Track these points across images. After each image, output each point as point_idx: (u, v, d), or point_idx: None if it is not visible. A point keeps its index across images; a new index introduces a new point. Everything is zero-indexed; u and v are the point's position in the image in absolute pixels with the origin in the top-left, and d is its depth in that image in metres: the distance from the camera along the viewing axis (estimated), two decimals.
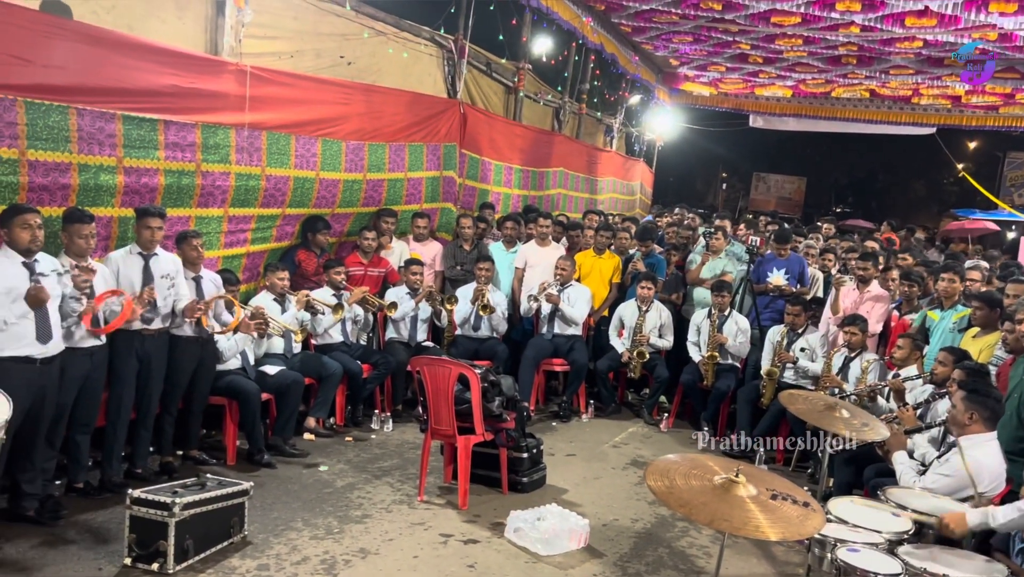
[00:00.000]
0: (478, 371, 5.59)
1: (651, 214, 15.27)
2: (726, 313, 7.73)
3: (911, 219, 24.62)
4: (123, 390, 5.26)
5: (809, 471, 6.70)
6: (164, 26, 5.84)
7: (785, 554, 5.21)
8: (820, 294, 8.27)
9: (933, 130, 16.42)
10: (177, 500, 4.29)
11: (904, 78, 13.57)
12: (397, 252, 7.98)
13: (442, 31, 9.03)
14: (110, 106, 5.12)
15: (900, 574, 3.35)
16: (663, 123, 17.66)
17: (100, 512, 4.95)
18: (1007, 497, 4.10)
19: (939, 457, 4.46)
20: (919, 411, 5.50)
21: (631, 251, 8.92)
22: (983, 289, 6.57)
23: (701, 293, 8.34)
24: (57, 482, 5.09)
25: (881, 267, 7.89)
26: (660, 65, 15.48)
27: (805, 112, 16.64)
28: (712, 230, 8.84)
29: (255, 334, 6.03)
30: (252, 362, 6.22)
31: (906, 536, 3.69)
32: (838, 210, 30.73)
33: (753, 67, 14.15)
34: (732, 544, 5.23)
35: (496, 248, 8.54)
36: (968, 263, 8.61)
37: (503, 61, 10.74)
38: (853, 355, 6.73)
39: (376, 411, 7.22)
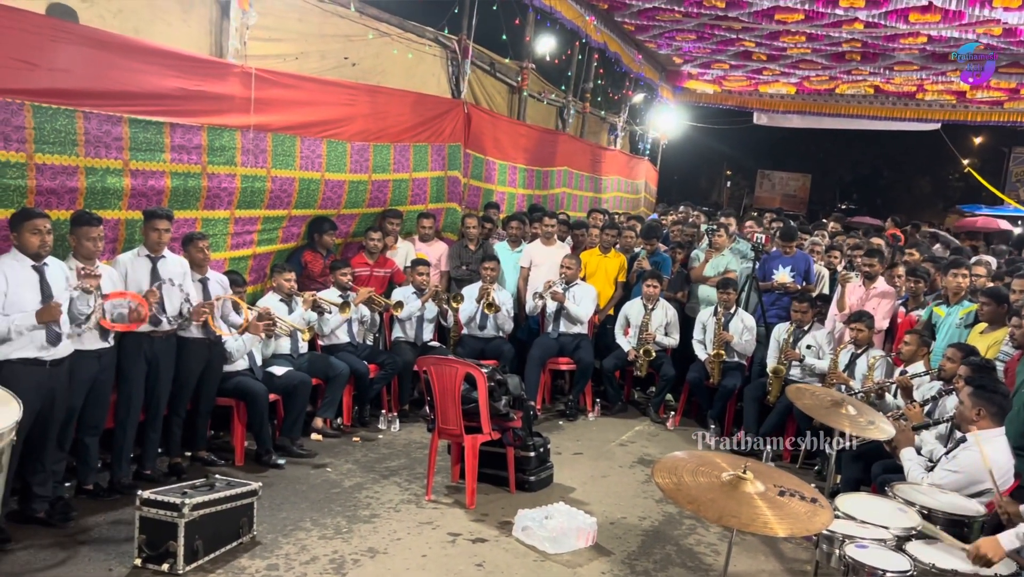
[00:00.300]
0: (484, 370, 5.61)
1: (656, 212, 15.26)
2: (732, 311, 7.73)
3: (916, 215, 24.52)
4: (132, 392, 5.28)
5: (816, 468, 6.70)
6: (170, 29, 5.87)
7: (793, 551, 5.21)
8: (826, 291, 8.26)
9: (938, 126, 16.39)
10: (186, 501, 4.31)
11: (908, 74, 13.53)
12: (403, 252, 8.00)
13: (446, 31, 9.05)
14: (116, 109, 5.15)
15: (908, 570, 3.35)
16: (667, 121, 17.65)
17: (110, 513, 4.98)
18: (1015, 492, 4.10)
19: (947, 453, 4.45)
20: (927, 407, 5.50)
21: (636, 250, 8.92)
22: (989, 284, 6.56)
23: (706, 291, 8.34)
24: (67, 484, 5.12)
25: (887, 263, 7.88)
26: (663, 63, 15.46)
27: (809, 109, 16.61)
28: (715, 227, 8.83)
29: (263, 335, 6.05)
30: (259, 363, 6.25)
31: (914, 532, 3.69)
32: (843, 207, 30.67)
33: (757, 64, 14.13)
34: (740, 541, 5.24)
35: (501, 248, 8.56)
36: (974, 258, 8.61)
37: (507, 61, 10.76)
38: (860, 352, 6.72)
39: (383, 411, 7.24)
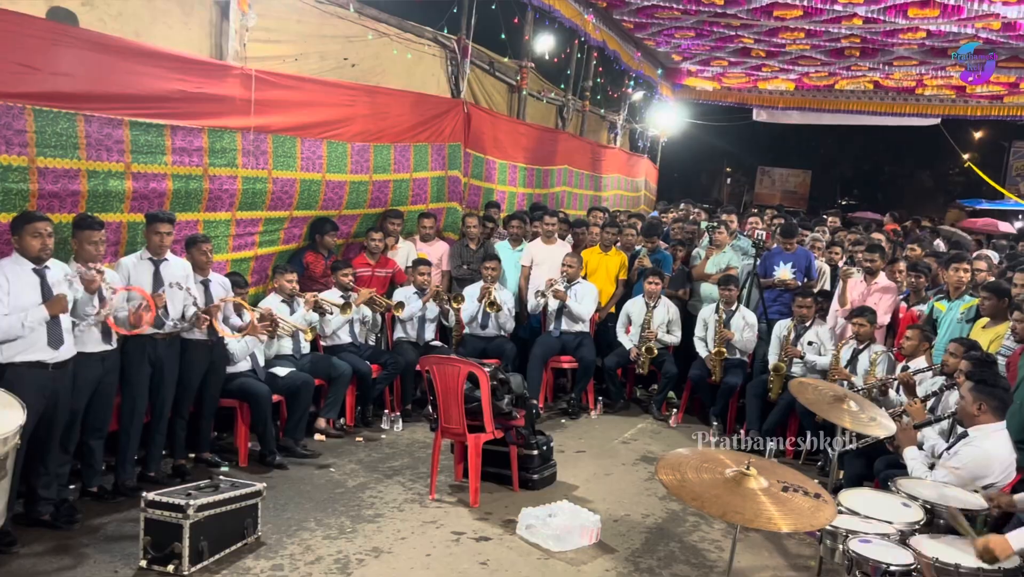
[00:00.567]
0: (487, 369, 5.62)
1: (656, 210, 15.27)
2: (733, 308, 7.74)
3: (917, 210, 24.51)
4: (136, 394, 5.29)
5: (819, 464, 6.70)
6: (170, 32, 5.87)
7: (797, 547, 5.22)
8: (827, 287, 8.27)
9: (938, 121, 16.38)
10: (191, 502, 4.33)
11: (908, 69, 13.54)
12: (404, 252, 8.01)
13: (445, 31, 9.05)
14: (117, 112, 5.16)
15: (912, 564, 3.36)
16: (666, 119, 17.65)
17: (115, 516, 4.99)
18: (1017, 486, 4.11)
19: (948, 449, 4.45)
20: (930, 403, 5.51)
21: (637, 248, 8.93)
22: (990, 279, 6.57)
23: (708, 288, 8.34)
24: (72, 487, 5.13)
25: (888, 259, 7.89)
26: (662, 61, 15.46)
27: (809, 105, 16.62)
28: (715, 224, 8.84)
29: (265, 336, 6.06)
30: (262, 364, 6.26)
31: (917, 526, 3.70)
32: (844, 203, 30.65)
33: (756, 61, 14.13)
34: (743, 538, 5.25)
35: (502, 247, 8.56)
36: (975, 253, 8.61)
37: (506, 60, 10.76)
38: (861, 347, 6.73)
39: (386, 411, 7.25)
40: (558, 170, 11.95)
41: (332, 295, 6.90)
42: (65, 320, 4.61)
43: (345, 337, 7.04)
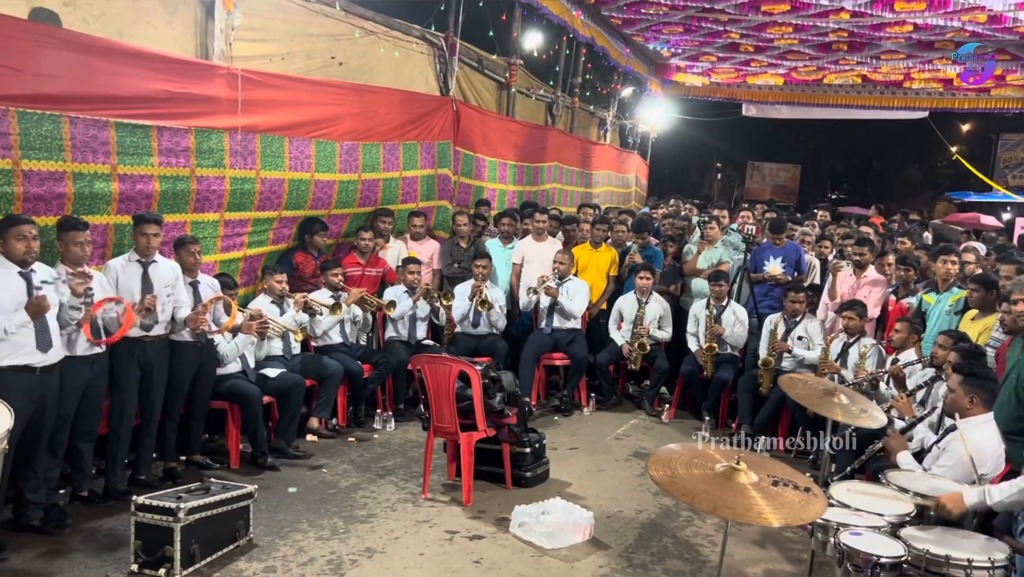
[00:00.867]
0: (479, 368, 5.61)
1: (647, 206, 15.27)
2: (724, 303, 7.75)
3: (906, 203, 24.63)
4: (125, 397, 5.26)
5: (811, 457, 6.71)
6: (154, 32, 5.84)
7: (790, 540, 5.23)
8: (817, 281, 8.29)
9: (926, 114, 16.45)
10: (182, 505, 4.31)
11: (895, 63, 13.58)
12: (395, 251, 7.99)
13: (432, 29, 9.03)
14: (103, 113, 5.12)
15: (902, 556, 3.37)
16: (656, 115, 17.66)
17: (105, 520, 4.97)
18: (1007, 477, 4.12)
19: (937, 443, 4.45)
20: (920, 394, 5.53)
21: (628, 244, 8.93)
22: (978, 271, 6.59)
23: (699, 284, 8.35)
24: (61, 491, 5.10)
25: (877, 252, 7.91)
26: (651, 57, 15.47)
27: (798, 99, 16.66)
28: (707, 220, 8.85)
29: (255, 336, 6.04)
30: (252, 365, 6.23)
31: (908, 518, 3.70)
32: (834, 196, 30.74)
33: (744, 56, 14.15)
34: (736, 532, 5.27)
35: (493, 244, 8.55)
36: (963, 245, 8.64)
37: (494, 57, 10.74)
38: (851, 341, 6.75)
39: (378, 411, 7.23)
40: (548, 167, 11.94)
41: (322, 295, 6.88)
42: (53, 323, 4.58)
43: (336, 337, 7.02)
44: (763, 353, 7.33)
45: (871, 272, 7.41)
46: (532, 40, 11.69)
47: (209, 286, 5.81)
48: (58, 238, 4.77)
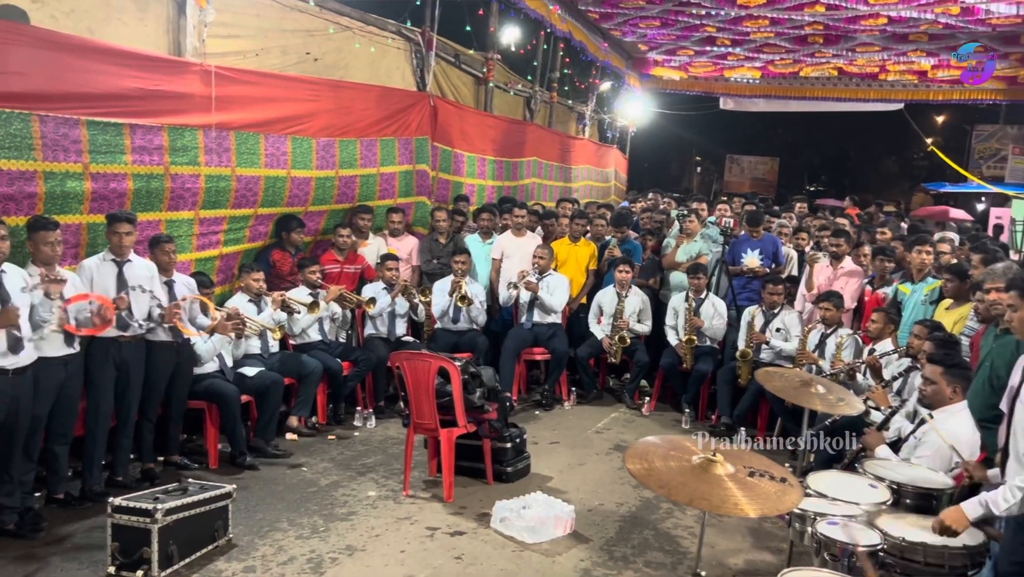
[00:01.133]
0: (458, 363, 5.60)
1: (626, 200, 15.29)
2: (703, 296, 7.78)
3: (883, 195, 24.82)
4: (101, 398, 5.21)
5: (791, 447, 6.75)
6: (125, 28, 5.77)
7: (770, 530, 5.27)
8: (795, 272, 8.34)
9: (901, 106, 16.57)
10: (159, 506, 4.27)
11: (870, 55, 13.69)
12: (374, 248, 7.94)
13: (408, 24, 8.98)
14: (74, 112, 5.07)
15: (878, 544, 3.39)
16: (635, 109, 17.67)
17: (82, 522, 4.91)
18: (982, 464, 4.16)
19: (913, 432, 4.48)
20: (896, 384, 5.57)
21: (607, 238, 8.95)
22: (954, 261, 6.65)
23: (678, 277, 8.38)
24: (37, 494, 5.04)
25: (853, 243, 7.97)
26: (629, 51, 15.49)
27: (774, 93, 16.73)
28: (685, 213, 8.88)
29: (232, 335, 5.99)
30: (230, 364, 6.19)
31: (884, 507, 3.73)
32: (812, 189, 30.96)
33: (721, 50, 14.21)
34: (718, 523, 5.30)
35: (472, 240, 8.54)
36: (938, 235, 8.72)
37: (471, 52, 10.71)
38: (829, 331, 6.80)
39: (358, 408, 7.21)
40: (527, 162, 11.93)
41: (300, 293, 6.83)
42: (24, 325, 4.52)
43: (315, 335, 6.98)
44: (742, 345, 7.38)
45: (847, 263, 7.47)
46: (509, 35, 11.66)
47: (185, 285, 5.76)
48: (28, 238, 4.71)
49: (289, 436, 6.58)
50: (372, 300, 7.20)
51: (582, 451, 6.71)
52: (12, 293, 4.46)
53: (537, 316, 7.91)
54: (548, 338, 7.91)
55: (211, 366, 6.01)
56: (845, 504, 3.73)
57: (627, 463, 3.09)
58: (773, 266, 8.19)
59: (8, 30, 4.70)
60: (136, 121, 5.47)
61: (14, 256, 4.61)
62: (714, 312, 7.76)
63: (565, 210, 9.46)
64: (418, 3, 9.00)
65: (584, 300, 8.49)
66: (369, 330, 7.55)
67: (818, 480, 4.01)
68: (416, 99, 8.66)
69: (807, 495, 3.84)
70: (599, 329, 8.08)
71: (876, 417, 5.18)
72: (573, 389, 8.12)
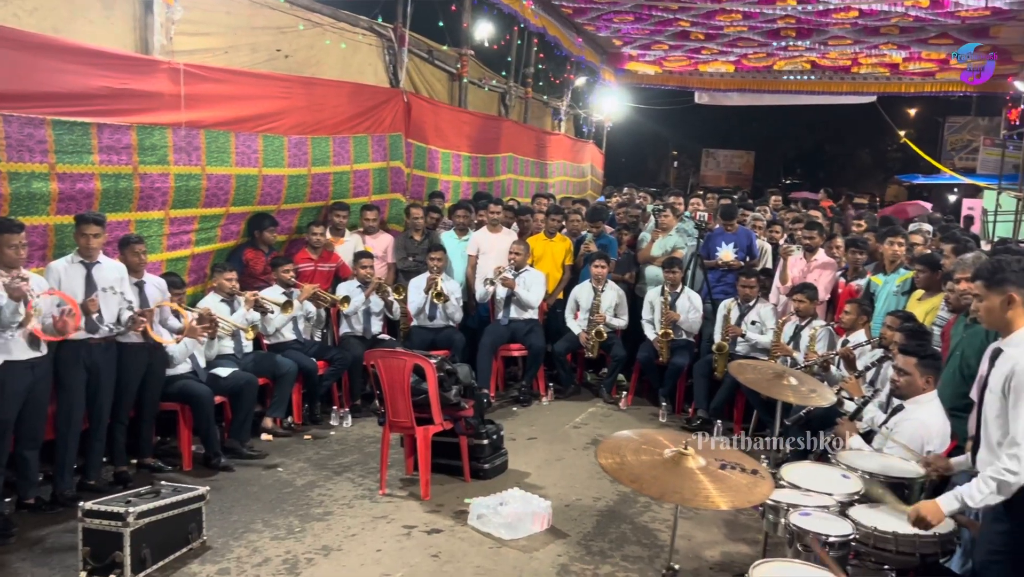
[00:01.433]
0: (433, 361, 5.58)
1: (603, 195, 15.32)
2: (679, 290, 7.81)
3: (859, 187, 25.01)
4: (71, 401, 5.14)
5: (767, 439, 6.78)
6: (91, 27, 5.68)
7: (747, 522, 5.30)
8: (769, 265, 8.39)
9: (873, 98, 16.72)
10: (131, 509, 4.23)
11: (843, 48, 13.79)
12: (351, 246, 7.89)
13: (380, 20, 8.93)
14: (39, 111, 4.99)
15: (850, 534, 3.42)
16: (611, 104, 17.70)
17: (53, 528, 4.85)
18: (953, 453, 4.20)
19: (886, 423, 4.52)
20: (869, 374, 5.61)
21: (582, 233, 8.95)
22: (927, 252, 6.71)
23: (654, 271, 8.39)
24: (7, 499, 4.97)
25: (826, 235, 8.02)
26: (604, 46, 15.51)
27: (749, 87, 16.84)
28: (661, 207, 8.90)
29: (205, 336, 5.93)
30: (203, 365, 6.13)
31: (856, 497, 3.76)
32: (787, 182, 31.14)
33: (695, 44, 14.26)
34: (695, 515, 5.32)
35: (448, 236, 8.51)
36: (912, 226, 8.79)
37: (445, 48, 10.67)
38: (803, 323, 6.84)
39: (335, 407, 7.17)
40: (503, 158, 11.91)
41: (274, 292, 6.78)
42: None
43: (289, 334, 6.93)
44: (717, 338, 7.41)
45: (821, 255, 7.53)
46: (483, 30, 11.62)
47: (156, 286, 5.69)
48: None
49: (264, 437, 6.54)
50: (346, 299, 7.16)
51: (560, 446, 6.72)
52: None
53: (514, 312, 7.90)
54: (525, 334, 7.91)
55: (184, 367, 5.95)
56: (818, 495, 3.76)
57: (599, 457, 3.09)
58: (748, 259, 8.23)
59: None
60: (103, 120, 5.40)
61: None
62: (690, 306, 7.79)
63: (541, 206, 9.46)
64: None
65: (560, 295, 8.49)
66: (345, 329, 7.51)
67: (791, 471, 4.03)
68: (389, 95, 8.61)
69: (781, 486, 3.87)
70: (576, 324, 8.09)
71: (850, 407, 5.22)
72: (551, 384, 8.13)
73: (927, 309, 5.77)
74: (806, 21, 11.98)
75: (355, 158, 7.98)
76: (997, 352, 3.46)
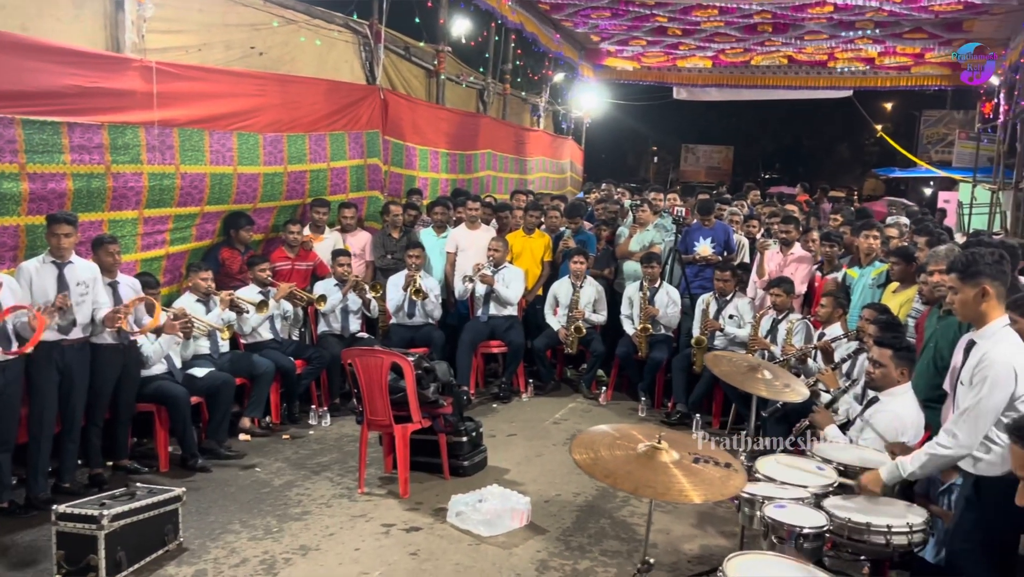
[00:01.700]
0: (411, 358, 5.56)
1: (582, 191, 15.33)
2: (657, 285, 7.83)
3: (837, 181, 25.24)
4: (44, 404, 5.08)
5: (744, 433, 6.82)
6: (60, 25, 5.62)
7: (724, 517, 5.32)
8: (747, 259, 8.43)
9: (850, 93, 16.84)
10: (105, 512, 4.18)
11: (819, 43, 13.87)
12: (330, 243, 7.85)
13: (355, 16, 8.88)
14: (8, 111, 4.94)
15: (825, 526, 3.44)
16: (589, 100, 17.72)
17: (27, 532, 4.79)
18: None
19: (861, 415, 4.55)
20: (845, 365, 5.65)
21: (561, 229, 8.95)
22: (901, 244, 6.76)
23: (632, 266, 8.42)
24: None
25: (802, 229, 8.07)
26: (582, 42, 15.52)
27: (726, 82, 16.91)
28: (639, 203, 8.92)
29: (180, 336, 5.88)
30: (179, 365, 6.09)
31: (831, 489, 3.79)
32: (766, 176, 31.33)
33: (673, 39, 14.30)
34: (673, 510, 5.34)
35: (427, 234, 8.49)
36: (889, 219, 8.87)
37: (422, 45, 10.63)
38: (780, 317, 6.88)
39: (313, 406, 7.13)
40: (481, 154, 11.89)
41: (250, 292, 6.73)
42: None
43: (266, 334, 6.89)
44: (696, 332, 7.44)
45: (797, 249, 7.57)
46: (460, 27, 11.59)
47: (129, 287, 5.63)
48: None
49: (242, 437, 6.49)
50: (322, 297, 7.12)
51: (539, 442, 6.72)
52: None
53: (493, 309, 7.90)
54: (505, 330, 7.91)
55: (159, 368, 5.90)
56: (794, 487, 3.78)
57: (573, 453, 3.09)
58: (725, 254, 8.27)
59: None
60: (74, 119, 5.34)
61: None
62: (668, 300, 7.81)
63: (519, 202, 9.46)
64: None
65: (540, 292, 8.50)
66: (322, 327, 7.47)
67: (767, 464, 4.05)
68: (366, 92, 8.57)
69: (756, 479, 3.89)
70: (555, 320, 8.10)
71: (826, 399, 5.25)
72: (531, 381, 8.13)
73: (901, 301, 5.81)
74: (782, 16, 12.05)
75: (332, 155, 7.94)
76: (971, 344, 3.50)
